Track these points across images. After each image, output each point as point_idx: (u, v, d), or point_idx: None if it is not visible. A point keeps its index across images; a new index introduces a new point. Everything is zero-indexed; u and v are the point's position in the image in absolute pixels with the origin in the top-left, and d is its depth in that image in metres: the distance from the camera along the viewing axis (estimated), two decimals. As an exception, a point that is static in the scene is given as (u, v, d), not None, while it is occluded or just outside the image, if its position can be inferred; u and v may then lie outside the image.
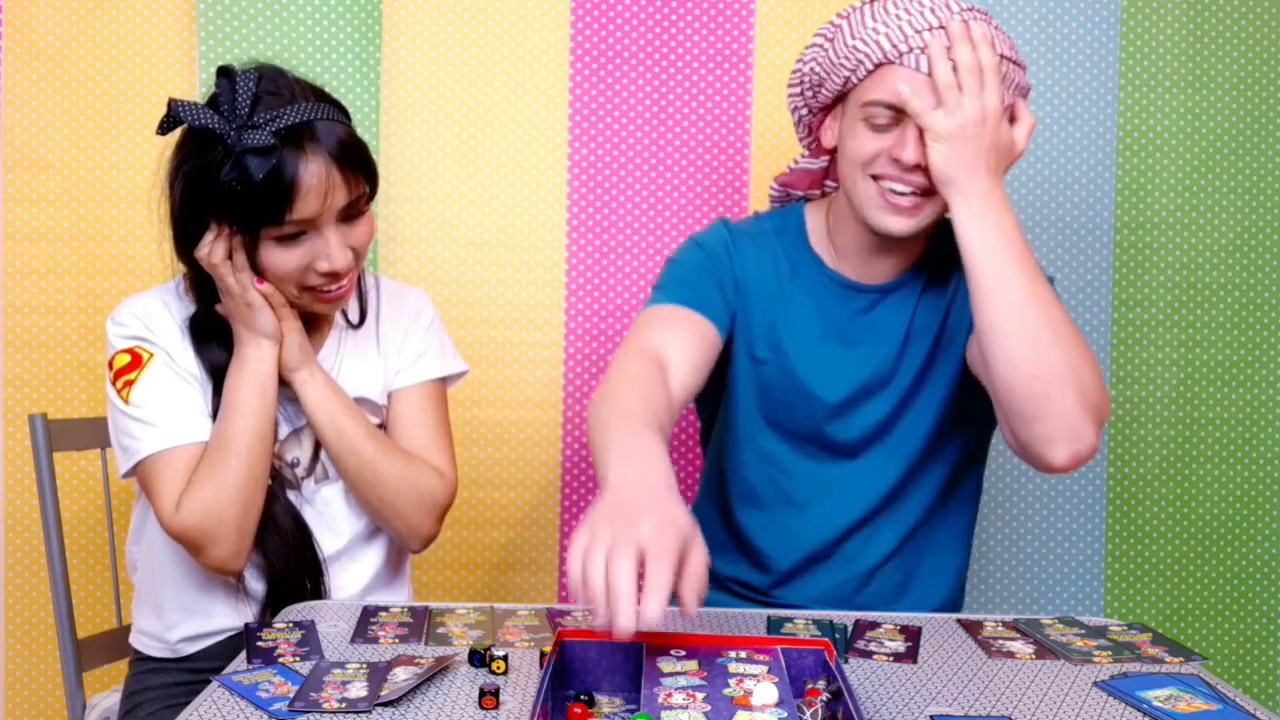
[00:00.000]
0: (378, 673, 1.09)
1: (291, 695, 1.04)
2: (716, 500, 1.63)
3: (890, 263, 1.52)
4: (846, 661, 1.17)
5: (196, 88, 1.94)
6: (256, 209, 1.29)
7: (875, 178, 1.42)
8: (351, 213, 1.35)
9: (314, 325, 1.47)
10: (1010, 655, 1.20)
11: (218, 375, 1.40)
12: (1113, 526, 2.07)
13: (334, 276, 1.36)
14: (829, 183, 1.60)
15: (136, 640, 1.51)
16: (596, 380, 2.02)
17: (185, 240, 1.37)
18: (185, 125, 1.31)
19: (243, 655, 1.17)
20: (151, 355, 1.38)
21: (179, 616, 1.44)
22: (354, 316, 1.50)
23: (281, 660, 1.14)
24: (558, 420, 2.03)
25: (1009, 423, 1.38)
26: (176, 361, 1.40)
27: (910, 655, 1.20)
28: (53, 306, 1.96)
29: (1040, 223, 2.04)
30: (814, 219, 1.58)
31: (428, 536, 1.48)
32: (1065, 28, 2.03)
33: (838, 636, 1.25)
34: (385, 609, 1.33)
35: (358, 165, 1.34)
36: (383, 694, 1.03)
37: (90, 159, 1.96)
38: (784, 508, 1.56)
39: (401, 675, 1.08)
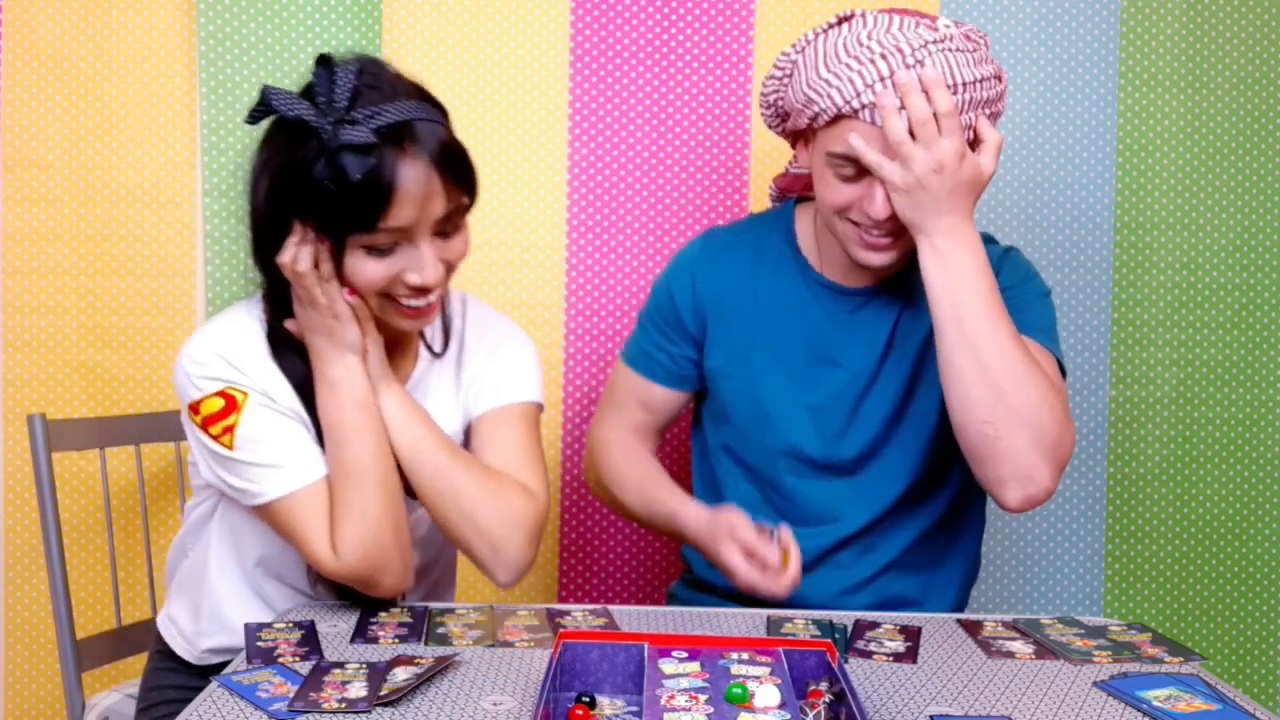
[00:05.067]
0: (377, 673, 1.09)
1: (291, 695, 1.04)
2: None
3: (873, 271, 1.50)
4: (847, 661, 1.17)
5: (196, 88, 1.94)
6: (348, 213, 1.20)
7: (851, 221, 1.41)
8: (448, 226, 1.27)
9: (396, 354, 1.37)
10: (1010, 655, 1.20)
11: (302, 387, 1.31)
12: (1113, 526, 2.07)
13: (422, 291, 1.26)
14: None
15: (165, 627, 1.46)
16: (596, 380, 2.02)
17: (266, 245, 1.27)
18: (275, 117, 1.22)
19: (243, 655, 1.17)
20: (246, 395, 1.27)
21: (213, 627, 1.40)
22: (437, 344, 1.42)
23: (281, 660, 1.14)
24: (558, 420, 2.03)
25: (967, 460, 1.39)
26: (275, 400, 1.29)
27: (910, 655, 1.20)
28: (53, 306, 1.96)
29: (1040, 223, 2.04)
30: (804, 220, 1.58)
31: (517, 561, 1.32)
32: (1065, 28, 2.02)
33: (837, 637, 1.25)
34: (385, 609, 1.32)
35: (459, 173, 1.26)
36: (382, 694, 1.03)
37: (90, 159, 1.95)
38: (783, 521, 1.54)
39: (401, 675, 1.08)
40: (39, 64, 1.94)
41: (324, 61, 1.22)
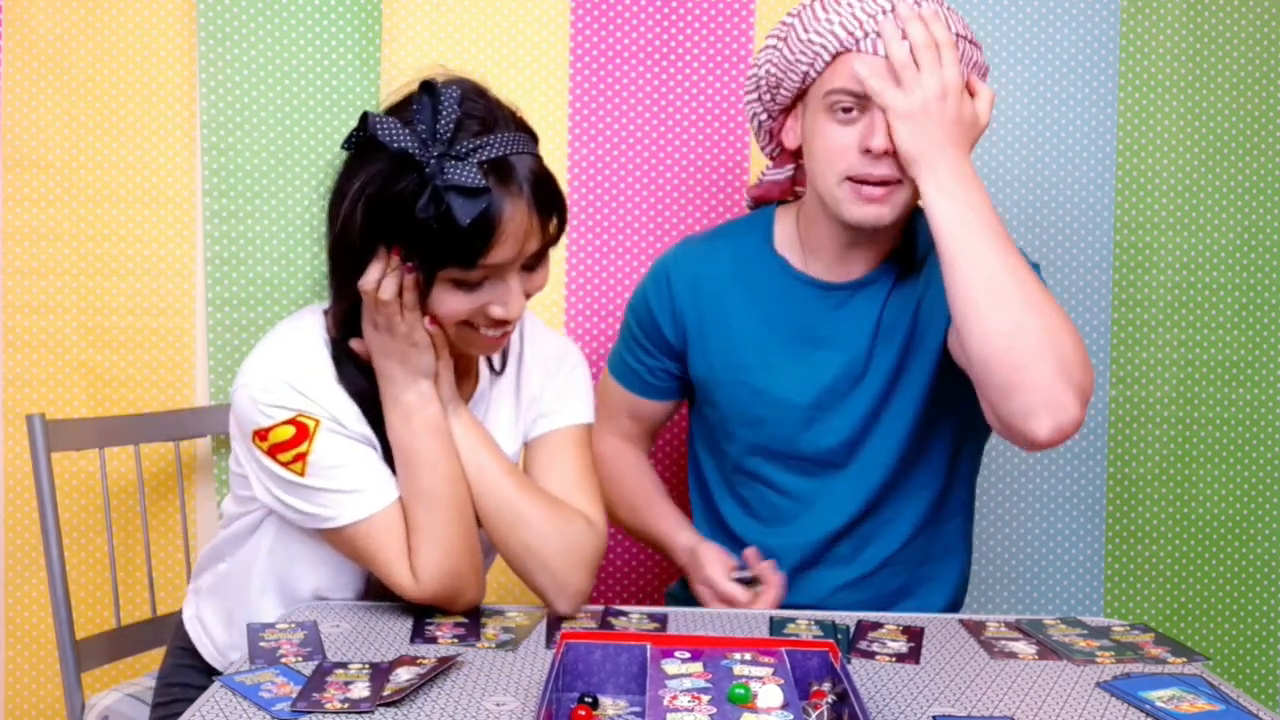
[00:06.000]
0: (380, 673, 1.09)
1: (294, 695, 1.04)
2: (709, 514, 1.64)
3: (862, 259, 1.51)
4: (849, 662, 1.17)
5: (196, 88, 1.93)
6: (448, 250, 1.18)
7: (849, 179, 1.40)
8: (536, 260, 1.25)
9: (458, 373, 1.35)
10: (1013, 656, 1.20)
11: (363, 400, 1.29)
12: (1113, 526, 2.07)
13: (503, 323, 1.26)
14: (799, 188, 1.60)
15: (193, 627, 1.44)
16: (596, 380, 2.01)
17: (348, 267, 1.24)
18: (365, 138, 1.18)
19: (245, 655, 1.17)
20: (318, 421, 1.25)
21: (244, 641, 1.36)
22: (497, 362, 1.41)
23: (284, 660, 1.14)
24: (558, 420, 2.03)
25: (988, 399, 1.33)
26: (344, 425, 1.27)
27: (913, 656, 1.20)
28: (53, 306, 1.96)
29: (1040, 222, 2.04)
30: (783, 222, 1.58)
31: (578, 593, 1.31)
32: (1065, 28, 2.03)
33: (840, 637, 1.25)
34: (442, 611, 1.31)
35: (552, 207, 1.23)
36: (385, 694, 1.03)
37: (90, 159, 1.95)
38: (776, 522, 1.57)
39: (404, 675, 1.08)
40: (39, 63, 1.94)
41: (427, 88, 1.18)
